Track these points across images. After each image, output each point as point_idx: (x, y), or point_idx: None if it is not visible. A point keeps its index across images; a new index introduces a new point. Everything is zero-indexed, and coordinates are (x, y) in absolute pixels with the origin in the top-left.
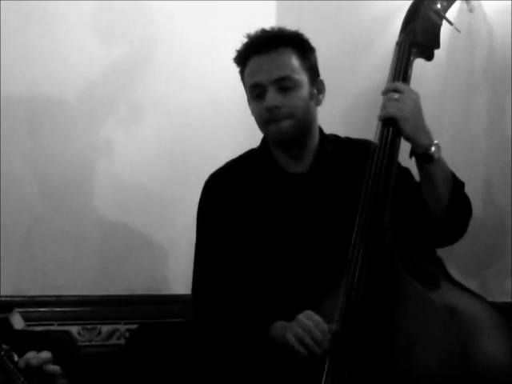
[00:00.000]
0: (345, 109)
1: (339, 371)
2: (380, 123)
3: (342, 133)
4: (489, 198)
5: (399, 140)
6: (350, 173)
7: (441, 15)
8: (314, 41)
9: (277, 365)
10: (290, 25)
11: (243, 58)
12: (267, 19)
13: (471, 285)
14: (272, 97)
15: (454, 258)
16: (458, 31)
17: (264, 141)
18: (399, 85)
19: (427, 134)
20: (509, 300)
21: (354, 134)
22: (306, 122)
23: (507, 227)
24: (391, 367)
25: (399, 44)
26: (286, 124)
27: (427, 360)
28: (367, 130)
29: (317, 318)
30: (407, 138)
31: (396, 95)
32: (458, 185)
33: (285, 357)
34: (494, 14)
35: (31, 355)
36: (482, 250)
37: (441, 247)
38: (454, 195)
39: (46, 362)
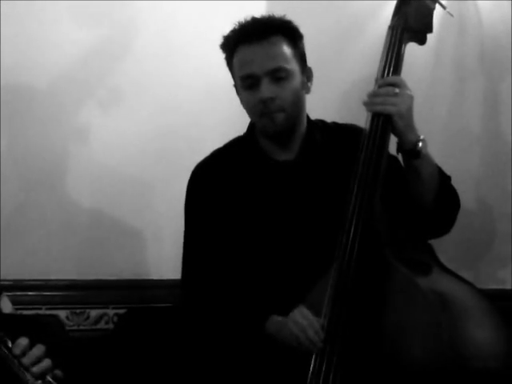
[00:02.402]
0: (334, 95)
1: (328, 358)
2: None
3: (331, 119)
4: (482, 184)
5: (390, 126)
6: (338, 159)
7: None
8: (302, 26)
9: (266, 353)
10: (280, 9)
11: (232, 45)
12: (257, 4)
13: (461, 272)
14: (267, 88)
15: (445, 245)
16: (451, 15)
17: (250, 128)
18: (397, 79)
19: (415, 129)
20: (499, 287)
21: (344, 120)
22: (297, 112)
23: (499, 216)
24: (379, 354)
25: (391, 28)
26: (279, 117)
27: (415, 346)
28: (357, 116)
29: (311, 317)
30: (397, 134)
31: (396, 90)
32: (444, 178)
33: (275, 347)
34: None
35: (23, 342)
36: (473, 238)
37: (430, 239)
38: (441, 189)
39: (39, 358)
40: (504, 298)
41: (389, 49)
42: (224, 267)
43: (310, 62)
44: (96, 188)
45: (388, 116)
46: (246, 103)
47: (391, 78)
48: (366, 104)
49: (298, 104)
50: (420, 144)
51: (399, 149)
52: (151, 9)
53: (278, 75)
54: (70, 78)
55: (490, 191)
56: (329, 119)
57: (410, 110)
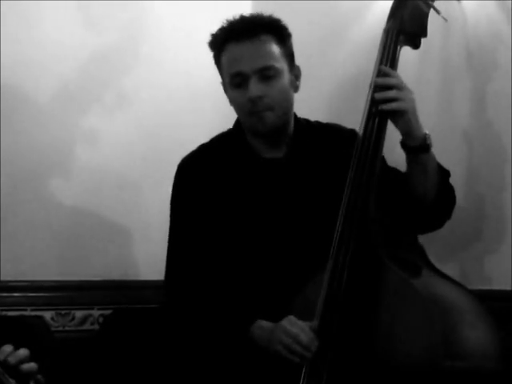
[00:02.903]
0: (320, 94)
1: (321, 359)
2: (366, 111)
3: (317, 118)
4: (470, 185)
5: (386, 127)
6: (325, 158)
7: (428, 3)
8: (288, 26)
9: (253, 357)
10: (266, 9)
11: (221, 42)
12: (243, 4)
13: (450, 272)
14: (255, 86)
15: (434, 246)
16: (445, 20)
17: (238, 124)
18: (399, 79)
19: (420, 125)
20: (487, 287)
21: (331, 120)
22: (286, 111)
23: (487, 216)
24: (372, 355)
25: (387, 31)
26: (268, 116)
27: (409, 348)
28: (343, 115)
29: (300, 323)
30: (408, 131)
31: (405, 85)
32: (444, 173)
33: (261, 353)
34: (466, 2)
35: (8, 349)
36: (462, 239)
37: (425, 233)
38: (442, 184)
39: (23, 360)
40: (491, 298)
41: (384, 51)
42: (210, 266)
43: (296, 61)
44: (82, 188)
45: (387, 115)
46: (234, 101)
47: (394, 80)
48: (378, 101)
49: (286, 102)
50: (428, 138)
51: (406, 146)
52: (154, 14)
53: (267, 74)
54: (72, 83)
55: (478, 191)
56: (315, 118)
57: (414, 105)
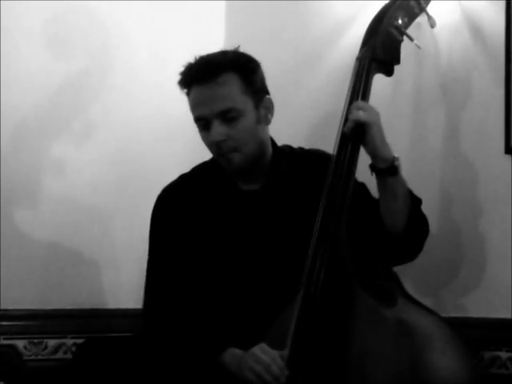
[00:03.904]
0: (299, 121)
1: None
2: (339, 135)
3: (294, 144)
4: (444, 214)
5: (358, 154)
6: (304, 186)
7: (401, 31)
8: (261, 53)
9: None
10: (239, 36)
11: (186, 84)
12: (216, 29)
13: (423, 299)
14: (216, 131)
15: (408, 273)
16: (419, 47)
17: None
18: (364, 102)
19: (388, 146)
20: (461, 315)
21: (306, 145)
22: (254, 149)
23: (462, 243)
24: (344, 382)
25: (359, 59)
26: (234, 157)
27: (378, 375)
28: (321, 141)
29: (272, 352)
30: (373, 150)
31: (364, 104)
32: (415, 201)
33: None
34: (439, 29)
35: None
36: (437, 266)
37: (396, 265)
38: (413, 212)
39: None
40: (466, 325)
41: (356, 80)
42: (186, 294)
43: (269, 89)
44: (53, 218)
45: (362, 129)
46: (203, 142)
47: (357, 103)
48: (343, 124)
49: (253, 141)
50: (396, 160)
51: (374, 168)
52: (120, 37)
53: (229, 116)
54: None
55: (452, 220)
56: (293, 144)
57: (380, 123)
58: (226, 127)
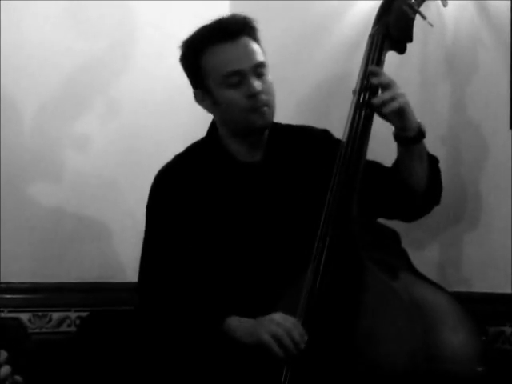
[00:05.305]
0: (298, 96)
1: (301, 362)
2: (352, 110)
3: (296, 121)
4: (452, 190)
5: (370, 130)
6: (300, 160)
7: (414, 9)
8: (266, 27)
9: (227, 358)
10: (243, 10)
11: (204, 43)
12: (221, 4)
13: (430, 275)
14: (256, 83)
15: (414, 249)
16: (431, 25)
17: (212, 130)
18: (390, 77)
19: (414, 115)
20: (465, 290)
21: (309, 123)
22: (275, 109)
23: (467, 216)
24: (352, 358)
25: (372, 36)
26: (267, 111)
27: (389, 349)
28: (319, 118)
29: (292, 319)
30: (405, 126)
31: (393, 86)
32: (433, 159)
33: (239, 351)
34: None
35: None
36: (441, 241)
37: (412, 221)
38: (434, 169)
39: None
40: (470, 300)
41: (369, 57)
42: (185, 269)
43: (274, 63)
44: (59, 191)
45: (401, 112)
46: (229, 101)
47: (385, 78)
48: (377, 105)
49: (275, 100)
50: (421, 125)
51: (402, 138)
52: (145, 19)
53: (260, 71)
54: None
55: (459, 194)
56: (288, 121)
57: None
58: (260, 82)
